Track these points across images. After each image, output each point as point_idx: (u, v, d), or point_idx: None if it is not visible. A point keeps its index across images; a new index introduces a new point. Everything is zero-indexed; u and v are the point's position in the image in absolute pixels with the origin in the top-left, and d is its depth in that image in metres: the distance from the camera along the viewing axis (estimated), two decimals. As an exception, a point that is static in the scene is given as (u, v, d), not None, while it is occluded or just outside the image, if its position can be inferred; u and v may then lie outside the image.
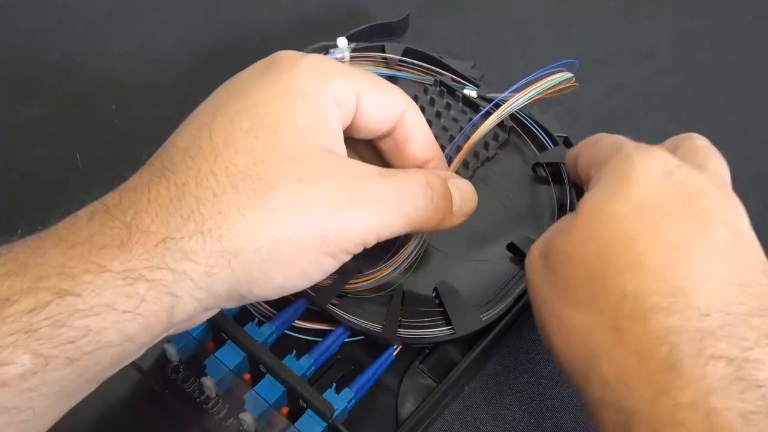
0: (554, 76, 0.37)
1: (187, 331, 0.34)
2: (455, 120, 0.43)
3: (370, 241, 0.30)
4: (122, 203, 0.26)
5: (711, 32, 0.56)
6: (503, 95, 0.40)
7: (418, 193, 0.31)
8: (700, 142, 0.32)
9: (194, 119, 0.29)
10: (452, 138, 0.43)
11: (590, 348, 0.27)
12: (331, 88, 0.30)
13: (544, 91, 0.38)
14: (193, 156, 0.27)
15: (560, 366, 0.30)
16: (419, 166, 0.35)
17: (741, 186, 0.41)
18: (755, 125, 0.51)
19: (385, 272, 0.37)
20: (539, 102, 0.45)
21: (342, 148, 0.31)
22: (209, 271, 0.26)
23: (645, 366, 0.25)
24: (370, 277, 0.37)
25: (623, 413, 0.25)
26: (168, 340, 0.35)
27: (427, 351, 0.37)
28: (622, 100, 0.51)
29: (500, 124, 0.43)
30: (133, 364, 0.35)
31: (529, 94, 0.38)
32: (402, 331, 0.35)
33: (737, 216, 0.29)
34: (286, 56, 0.31)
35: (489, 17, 0.56)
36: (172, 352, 0.35)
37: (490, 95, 0.43)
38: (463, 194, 0.34)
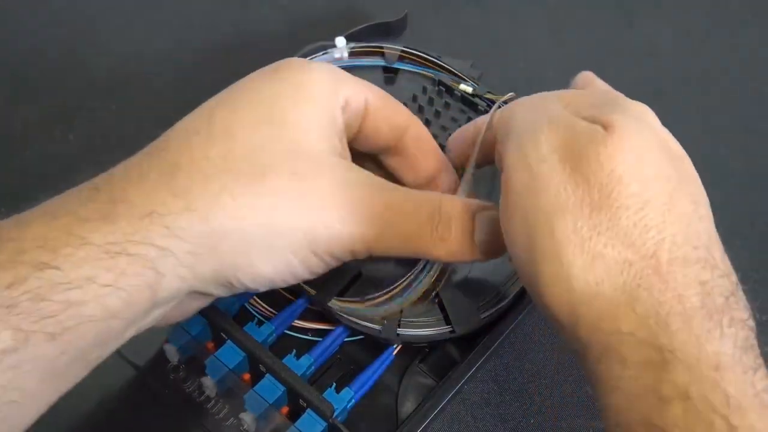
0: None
1: (186, 330, 0.34)
2: (454, 119, 0.43)
3: (360, 252, 0.30)
4: (111, 180, 0.26)
5: (711, 32, 0.56)
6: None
7: (423, 215, 0.30)
8: None
9: (199, 108, 0.29)
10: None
11: (626, 282, 0.25)
12: (340, 93, 0.30)
13: None
14: (189, 139, 0.28)
15: (538, 286, 0.27)
16: (429, 179, 0.34)
17: (741, 185, 0.42)
18: (755, 125, 0.51)
19: (380, 300, 0.36)
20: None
21: (347, 153, 0.31)
22: (194, 250, 0.26)
23: (687, 311, 0.24)
24: (368, 302, 0.36)
25: (657, 351, 0.24)
26: (168, 339, 0.35)
27: (427, 350, 0.37)
28: (622, 100, 0.51)
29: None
30: (133, 363, 0.36)
31: None
32: (402, 331, 0.35)
33: None
34: (296, 61, 0.31)
35: (488, 17, 0.56)
36: (172, 352, 0.35)
37: (488, 96, 0.44)
38: (494, 229, 0.30)
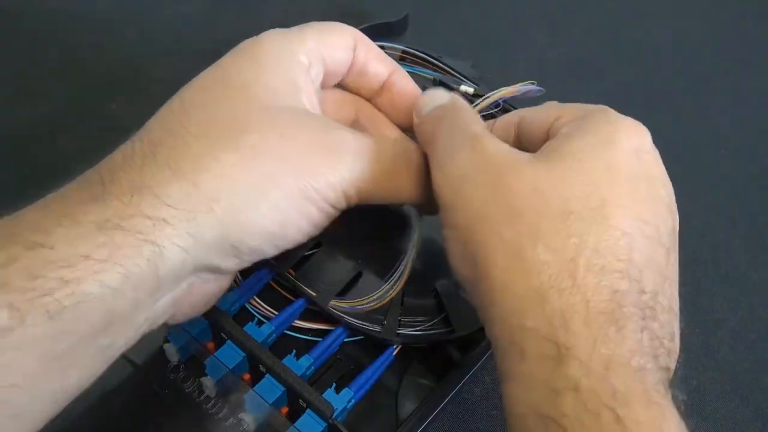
0: (525, 88, 0.37)
1: (186, 330, 0.34)
2: (455, 120, 0.43)
3: (352, 195, 0.30)
4: (99, 169, 0.27)
5: (711, 32, 0.56)
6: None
7: (396, 150, 0.32)
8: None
9: (174, 95, 0.30)
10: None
11: (541, 282, 0.27)
12: (301, 50, 0.32)
13: (509, 95, 0.37)
14: (164, 119, 0.28)
15: (477, 288, 0.28)
16: (385, 84, 0.35)
17: (740, 185, 0.42)
18: (755, 125, 0.51)
19: (378, 293, 0.36)
20: (539, 102, 0.45)
21: (317, 108, 0.32)
22: (190, 216, 0.26)
23: (591, 315, 0.26)
24: (365, 300, 0.36)
25: (556, 346, 0.25)
26: (168, 340, 0.35)
27: (427, 351, 0.37)
28: (622, 100, 0.51)
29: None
30: (133, 363, 0.36)
31: (497, 96, 0.37)
32: (402, 331, 0.35)
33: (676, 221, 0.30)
34: (254, 38, 0.32)
35: (488, 17, 0.56)
36: (171, 352, 0.35)
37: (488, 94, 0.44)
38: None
